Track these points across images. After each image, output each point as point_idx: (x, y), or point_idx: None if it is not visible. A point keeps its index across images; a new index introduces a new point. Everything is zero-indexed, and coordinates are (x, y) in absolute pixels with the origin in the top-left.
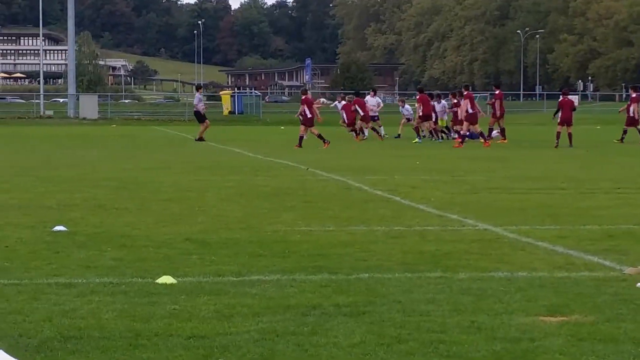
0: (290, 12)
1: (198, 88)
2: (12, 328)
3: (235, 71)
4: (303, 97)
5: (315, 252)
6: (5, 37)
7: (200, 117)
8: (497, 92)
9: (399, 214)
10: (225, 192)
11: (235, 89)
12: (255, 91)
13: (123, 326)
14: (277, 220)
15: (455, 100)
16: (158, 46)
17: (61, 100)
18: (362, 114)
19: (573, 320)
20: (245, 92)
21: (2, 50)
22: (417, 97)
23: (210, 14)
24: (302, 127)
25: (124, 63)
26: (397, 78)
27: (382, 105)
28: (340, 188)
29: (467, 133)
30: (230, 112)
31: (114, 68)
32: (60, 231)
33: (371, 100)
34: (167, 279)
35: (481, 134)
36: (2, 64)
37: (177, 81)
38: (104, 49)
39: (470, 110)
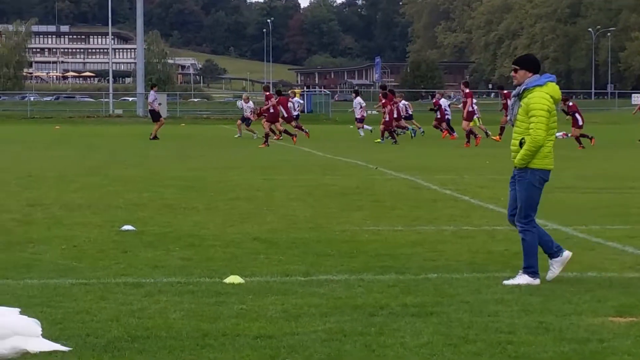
0: (359, 10)
1: (152, 86)
2: (80, 327)
3: (304, 70)
4: (266, 94)
5: (384, 252)
6: (75, 36)
7: (155, 116)
8: (504, 92)
9: (467, 214)
10: (294, 192)
11: (305, 87)
12: (325, 90)
13: (190, 326)
14: (346, 219)
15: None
16: (227, 45)
17: (130, 99)
18: (285, 114)
19: None
20: (315, 91)
21: (72, 49)
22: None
23: (279, 12)
24: (266, 124)
25: (193, 62)
26: (468, 76)
27: (364, 105)
28: (409, 187)
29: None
30: (300, 111)
31: (183, 67)
32: (128, 231)
33: (354, 102)
34: (234, 279)
35: (469, 134)
36: (71, 62)
37: (246, 80)
38: (173, 47)
39: (470, 109)
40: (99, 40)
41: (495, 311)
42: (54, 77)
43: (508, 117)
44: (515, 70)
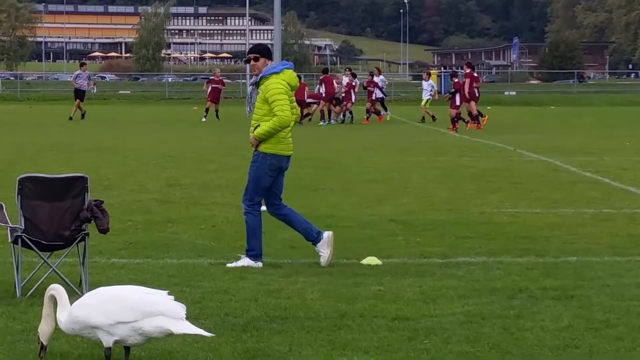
0: None
1: (81, 65)
2: (218, 307)
3: (441, 50)
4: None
5: (522, 235)
6: (213, 18)
7: (79, 94)
8: (467, 71)
9: (608, 196)
10: (430, 173)
11: (442, 68)
12: (462, 70)
13: (328, 307)
14: (483, 201)
15: (456, 80)
16: (364, 25)
17: None
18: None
19: None
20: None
21: (209, 30)
22: (321, 77)
23: None
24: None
25: (329, 42)
26: (607, 57)
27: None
28: (548, 169)
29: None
30: (437, 92)
31: (319, 48)
32: (265, 211)
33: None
34: (371, 260)
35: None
36: (209, 44)
37: (382, 61)
38: (310, 28)
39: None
40: (236, 21)
41: (637, 295)
42: (192, 58)
43: (247, 108)
44: (256, 59)
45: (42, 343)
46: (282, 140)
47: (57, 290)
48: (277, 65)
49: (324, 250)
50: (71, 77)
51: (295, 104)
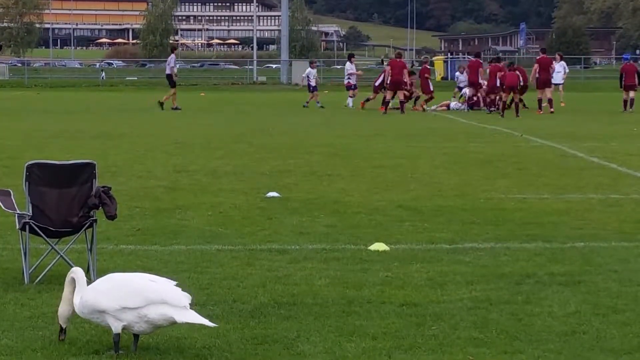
0: None
1: (173, 49)
2: (226, 293)
3: (448, 36)
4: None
5: (530, 220)
6: (220, 3)
7: (171, 82)
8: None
9: (615, 182)
10: (439, 159)
11: (448, 54)
12: (469, 56)
13: (336, 293)
14: (491, 187)
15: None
16: (371, 11)
17: (274, 66)
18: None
19: None
20: (459, 57)
21: (217, 16)
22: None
23: None
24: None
25: (336, 29)
26: (614, 42)
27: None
28: (555, 155)
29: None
30: (442, 78)
31: (326, 34)
32: (273, 197)
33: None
34: (379, 246)
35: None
36: (216, 30)
37: (389, 47)
38: (317, 14)
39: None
40: (244, 7)
41: None
42: (199, 44)
43: None
44: None
45: (60, 326)
46: None
47: (77, 273)
48: None
49: None
50: (171, 62)
51: None
